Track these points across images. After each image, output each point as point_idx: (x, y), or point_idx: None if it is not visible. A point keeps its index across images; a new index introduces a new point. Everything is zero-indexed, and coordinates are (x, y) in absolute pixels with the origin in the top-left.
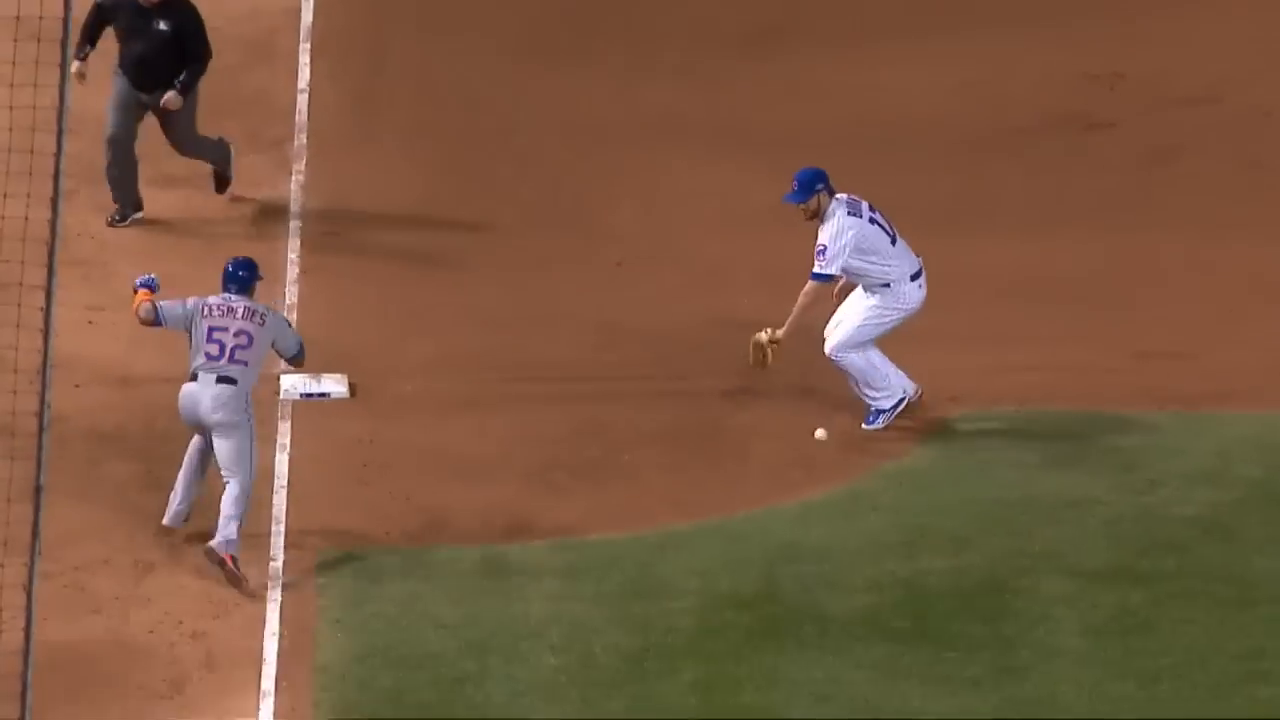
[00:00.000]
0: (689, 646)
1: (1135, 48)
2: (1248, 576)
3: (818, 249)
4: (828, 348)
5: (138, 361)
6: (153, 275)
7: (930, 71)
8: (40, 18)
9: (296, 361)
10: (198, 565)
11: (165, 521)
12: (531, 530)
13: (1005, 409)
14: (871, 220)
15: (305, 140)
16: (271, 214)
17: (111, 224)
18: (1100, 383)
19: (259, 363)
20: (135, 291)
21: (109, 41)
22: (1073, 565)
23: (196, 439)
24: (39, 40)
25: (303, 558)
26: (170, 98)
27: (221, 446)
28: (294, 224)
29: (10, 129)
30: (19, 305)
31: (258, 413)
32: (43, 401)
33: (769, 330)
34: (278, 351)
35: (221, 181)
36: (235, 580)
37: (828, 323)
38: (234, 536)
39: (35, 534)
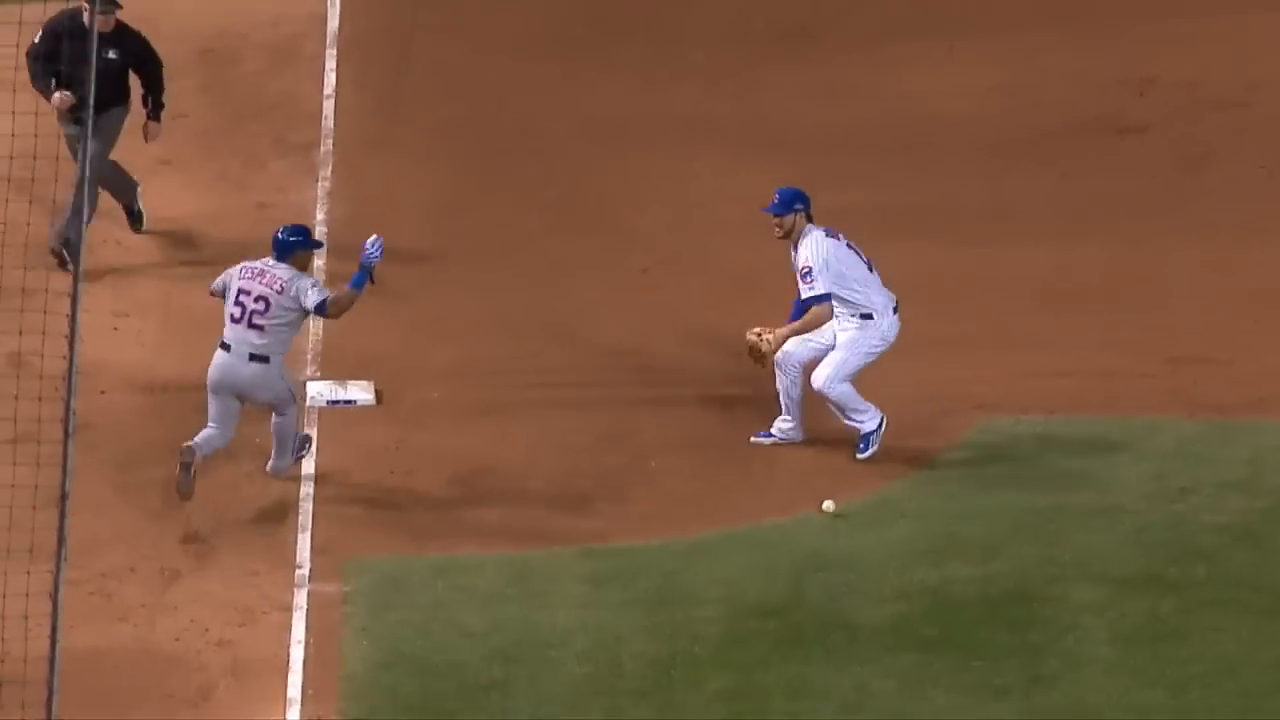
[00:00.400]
0: (716, 655)
1: (1166, 52)
2: (1279, 585)
3: (802, 272)
4: (817, 383)
5: (163, 368)
6: None
7: (960, 75)
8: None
9: (321, 314)
10: (224, 573)
11: (188, 442)
12: (557, 537)
13: (1034, 416)
14: (849, 246)
15: (331, 146)
16: (297, 219)
17: (133, 226)
18: (1130, 389)
19: (283, 329)
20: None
21: None
22: (1102, 573)
23: (216, 403)
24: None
25: (328, 565)
26: (153, 128)
27: (273, 418)
28: (320, 230)
29: (35, 135)
30: (44, 312)
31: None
32: (68, 408)
33: (768, 336)
34: (303, 303)
35: (132, 215)
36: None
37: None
38: (273, 467)
39: (61, 541)
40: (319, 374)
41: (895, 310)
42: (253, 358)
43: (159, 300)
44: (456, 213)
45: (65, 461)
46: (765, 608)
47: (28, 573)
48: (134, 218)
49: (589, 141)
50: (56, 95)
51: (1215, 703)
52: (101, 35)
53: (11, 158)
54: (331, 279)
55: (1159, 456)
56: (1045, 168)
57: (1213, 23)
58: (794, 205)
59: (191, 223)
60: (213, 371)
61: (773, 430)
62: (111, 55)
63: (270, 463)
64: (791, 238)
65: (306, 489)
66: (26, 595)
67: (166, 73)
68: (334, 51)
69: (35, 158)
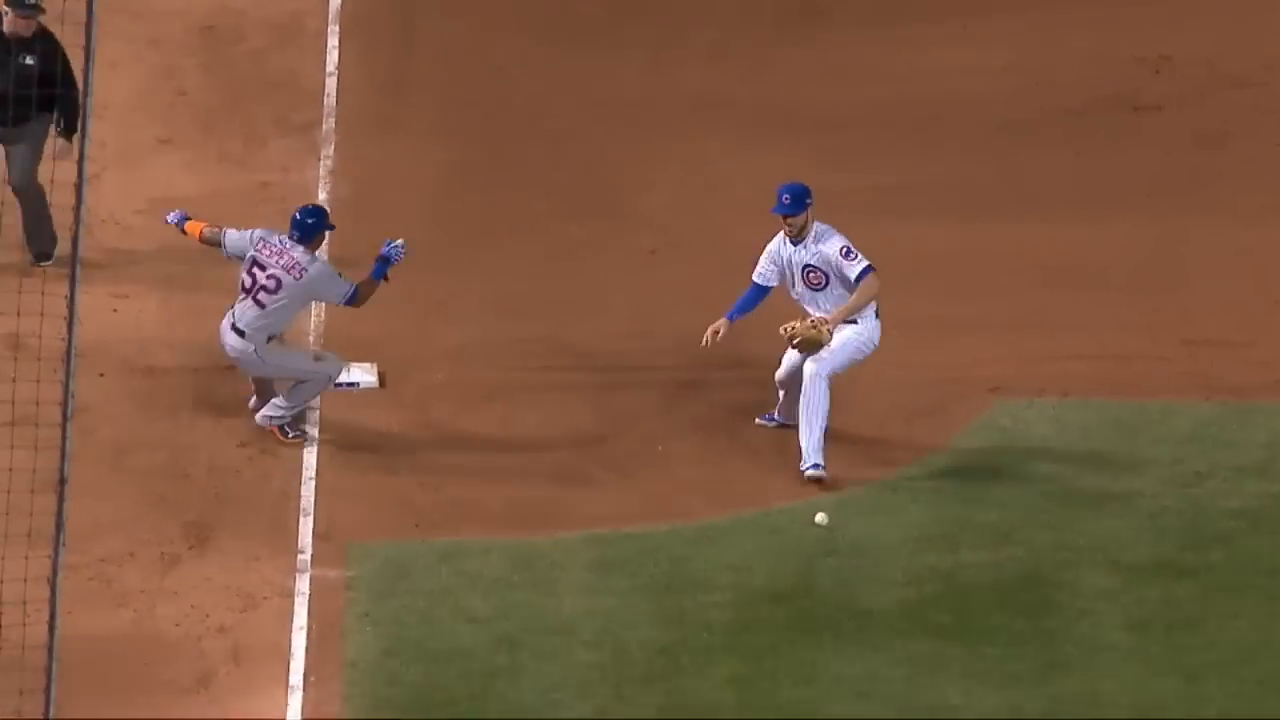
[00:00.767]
0: (725, 641)
1: (1183, 29)
2: None
3: (843, 252)
4: (818, 367)
5: (163, 350)
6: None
7: (974, 53)
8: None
9: (351, 303)
10: (225, 558)
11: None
12: (563, 522)
13: (1048, 399)
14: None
15: (333, 124)
16: (299, 199)
17: (37, 264)
18: (1146, 372)
19: (280, 312)
20: (180, 227)
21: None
22: (1117, 559)
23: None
24: (61, 22)
25: (331, 550)
26: (63, 148)
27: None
28: None
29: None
30: (42, 293)
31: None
32: (66, 391)
33: (827, 327)
34: (328, 301)
35: (36, 256)
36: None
37: (790, 351)
38: (275, 414)
39: (59, 526)
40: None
41: (877, 314)
42: (234, 329)
43: (159, 281)
44: (461, 194)
45: (64, 445)
46: (775, 593)
47: (26, 558)
48: (36, 257)
49: (597, 122)
50: None
51: (1232, 690)
52: (19, 39)
53: None
54: (333, 259)
55: (1175, 440)
56: (1060, 147)
57: (1228, 0)
58: (805, 201)
59: (192, 202)
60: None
61: (776, 414)
62: (28, 61)
63: (264, 409)
64: (804, 236)
65: (309, 473)
66: (25, 580)
67: (163, 51)
68: (336, 28)
69: None
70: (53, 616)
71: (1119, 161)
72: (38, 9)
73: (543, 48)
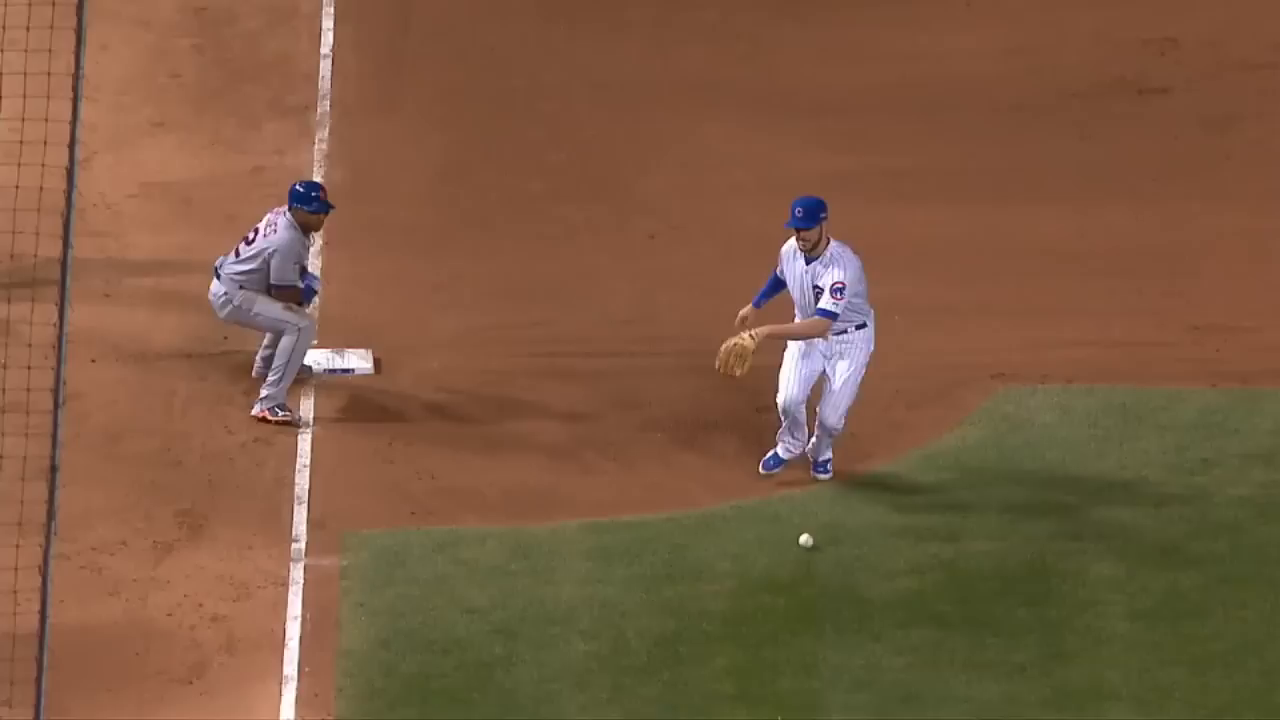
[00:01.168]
0: (724, 631)
1: (1189, 11)
2: None
3: (834, 287)
4: (832, 421)
5: (156, 336)
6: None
7: (977, 34)
8: None
9: (276, 290)
10: (218, 547)
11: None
12: (561, 511)
13: (1052, 386)
14: (856, 253)
15: (328, 107)
16: (293, 183)
17: None
18: (1152, 358)
19: (248, 273)
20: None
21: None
22: (1122, 548)
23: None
24: (54, 4)
25: (325, 538)
26: None
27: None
28: None
29: (24, 96)
30: (33, 278)
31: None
32: (58, 377)
33: (750, 333)
34: (271, 273)
35: None
36: (286, 423)
37: (790, 378)
38: (264, 394)
39: (50, 514)
40: (315, 342)
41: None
42: (215, 273)
43: (152, 267)
44: (458, 177)
45: (55, 432)
46: (775, 583)
47: (16, 546)
48: None
49: (595, 104)
50: None
51: (1238, 681)
52: None
53: None
54: (328, 244)
55: (1181, 427)
56: (1065, 130)
57: None
58: (819, 215)
59: (185, 186)
60: None
61: (781, 450)
62: None
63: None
64: (819, 251)
65: (303, 460)
66: (15, 570)
67: (155, 32)
68: (331, 9)
69: (24, 119)
70: (44, 606)
71: (1124, 145)
72: None
73: (540, 28)
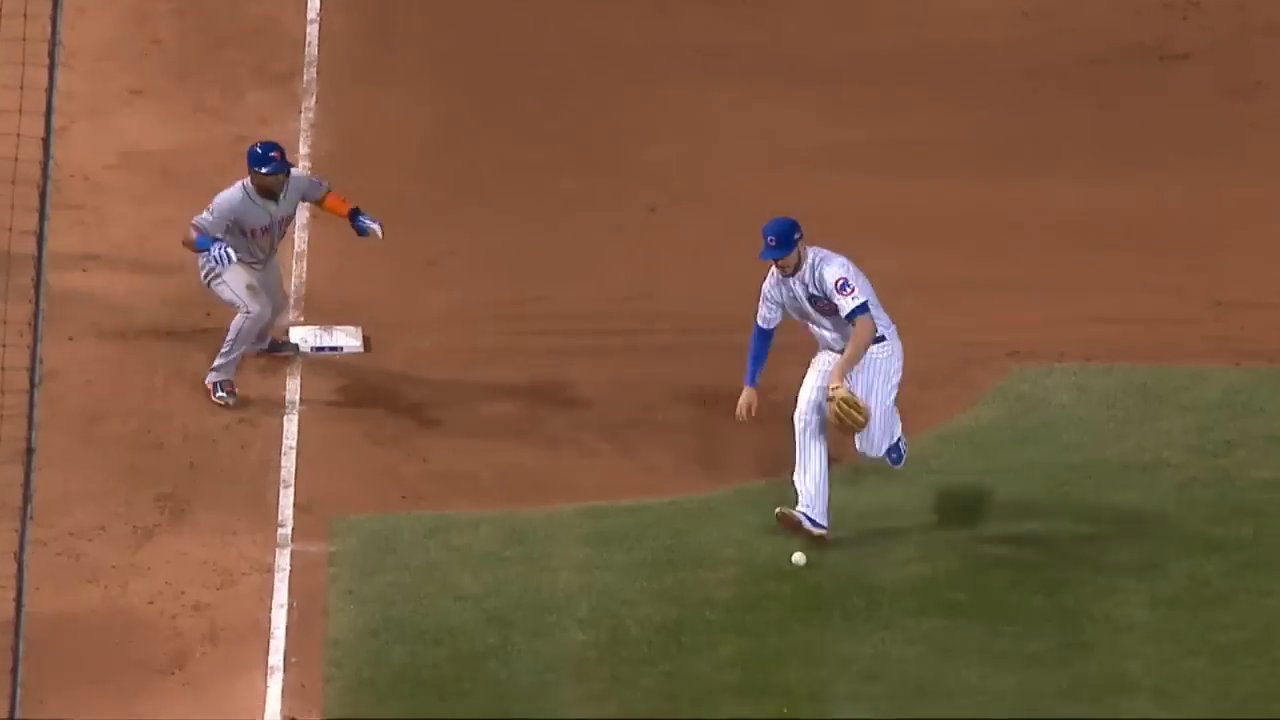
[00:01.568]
0: (727, 620)
1: None
2: None
3: (838, 285)
4: (874, 452)
5: (135, 313)
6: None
7: None
8: None
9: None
10: (200, 532)
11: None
12: (558, 494)
13: (1070, 364)
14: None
15: (315, 74)
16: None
17: None
18: (1174, 335)
19: (217, 213)
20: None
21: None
22: (1142, 533)
23: None
24: None
25: (312, 523)
26: None
27: None
28: (303, 164)
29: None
30: (8, 252)
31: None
32: (34, 356)
33: (832, 386)
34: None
35: None
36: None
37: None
38: (215, 365)
39: (26, 498)
40: (302, 319)
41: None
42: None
43: (131, 240)
44: (451, 147)
45: (31, 412)
46: (780, 569)
47: None
48: None
49: (594, 71)
50: None
51: (1262, 671)
52: None
53: None
54: (315, 217)
55: (1203, 408)
56: (1083, 98)
57: None
58: (793, 238)
59: (166, 157)
60: None
61: (802, 518)
62: None
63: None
64: (801, 267)
65: (289, 442)
66: None
67: None
68: None
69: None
70: (19, 593)
71: (1145, 113)
72: None
73: None
